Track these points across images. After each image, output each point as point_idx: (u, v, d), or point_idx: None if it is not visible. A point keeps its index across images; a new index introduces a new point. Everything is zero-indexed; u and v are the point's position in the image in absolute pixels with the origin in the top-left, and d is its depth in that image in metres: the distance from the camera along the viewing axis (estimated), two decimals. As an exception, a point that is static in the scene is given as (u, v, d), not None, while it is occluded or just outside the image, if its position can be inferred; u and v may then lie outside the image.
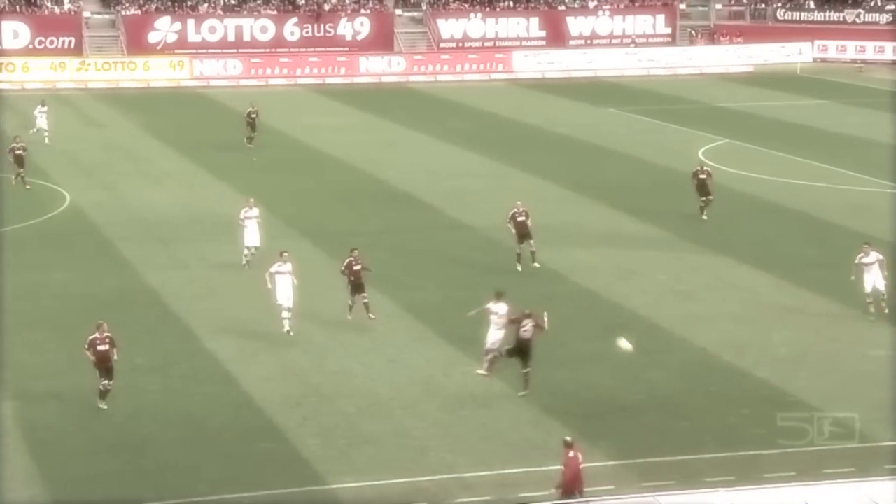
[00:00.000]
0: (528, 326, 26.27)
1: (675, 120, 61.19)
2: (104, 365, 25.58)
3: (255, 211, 36.02)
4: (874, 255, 31.16)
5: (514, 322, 26.44)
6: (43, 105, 55.83)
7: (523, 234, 35.44)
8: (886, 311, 30.97)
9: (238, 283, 34.06)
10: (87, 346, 25.73)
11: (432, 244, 39.05)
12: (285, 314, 29.88)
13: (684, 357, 29.03)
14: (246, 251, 35.66)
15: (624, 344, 26.82)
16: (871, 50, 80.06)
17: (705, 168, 41.74)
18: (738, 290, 33.85)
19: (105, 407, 25.52)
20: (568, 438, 20.91)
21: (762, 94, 69.92)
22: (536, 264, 35.42)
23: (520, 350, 26.37)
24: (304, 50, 79.44)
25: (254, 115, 54.01)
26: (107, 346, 25.64)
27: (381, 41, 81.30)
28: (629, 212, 42.55)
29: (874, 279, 31.01)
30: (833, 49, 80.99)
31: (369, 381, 27.39)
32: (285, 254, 30.56)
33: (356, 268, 30.90)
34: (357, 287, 30.93)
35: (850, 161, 49.52)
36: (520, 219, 35.45)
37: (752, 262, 36.10)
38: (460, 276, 35.15)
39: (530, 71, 78.54)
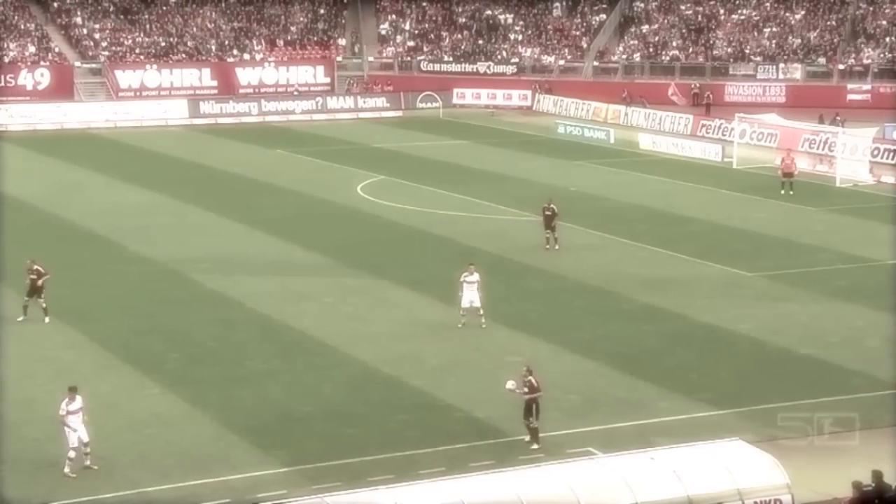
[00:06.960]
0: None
1: (336, 160, 61.63)
2: None
3: None
4: (476, 276, 32.09)
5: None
6: None
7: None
8: (484, 324, 31.91)
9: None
10: None
11: (116, 277, 37.85)
12: None
13: (350, 371, 29.20)
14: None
15: (511, 385, 24.82)
16: (501, 97, 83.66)
17: (552, 205, 40.89)
18: (395, 309, 34.34)
19: None
20: None
21: (411, 135, 71.45)
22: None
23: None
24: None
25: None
26: None
27: (62, 90, 78.25)
28: (297, 242, 42.53)
29: (472, 297, 31.90)
30: (469, 96, 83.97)
31: (53, 409, 26.03)
32: None
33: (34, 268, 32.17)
34: (35, 290, 32.06)
35: (487, 193, 51.25)
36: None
37: (407, 284, 36.73)
38: (143, 306, 34.24)
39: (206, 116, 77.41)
